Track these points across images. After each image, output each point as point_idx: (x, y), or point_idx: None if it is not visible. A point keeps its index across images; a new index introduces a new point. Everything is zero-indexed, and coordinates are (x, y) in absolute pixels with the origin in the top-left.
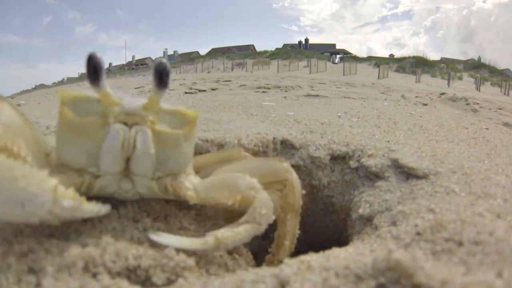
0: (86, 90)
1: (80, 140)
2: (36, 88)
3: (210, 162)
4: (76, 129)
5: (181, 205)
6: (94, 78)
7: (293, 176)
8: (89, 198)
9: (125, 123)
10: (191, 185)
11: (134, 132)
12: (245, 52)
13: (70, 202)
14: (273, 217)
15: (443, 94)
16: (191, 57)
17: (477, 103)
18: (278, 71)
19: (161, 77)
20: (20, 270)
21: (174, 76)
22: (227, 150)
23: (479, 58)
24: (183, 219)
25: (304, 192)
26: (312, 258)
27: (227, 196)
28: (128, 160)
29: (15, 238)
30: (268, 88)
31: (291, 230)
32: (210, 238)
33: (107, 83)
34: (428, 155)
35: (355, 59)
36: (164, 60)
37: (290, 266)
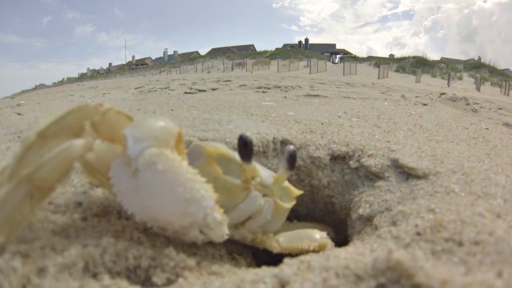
0: (220, 145)
1: (220, 193)
2: (36, 88)
3: None
4: (220, 184)
5: None
6: (245, 155)
7: (329, 242)
8: None
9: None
10: (274, 238)
11: (264, 201)
12: (245, 52)
13: (219, 217)
14: None
15: (443, 94)
16: (191, 57)
17: (477, 103)
18: (278, 71)
19: (293, 162)
20: (24, 272)
21: (174, 76)
22: None
23: (479, 58)
24: None
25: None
26: (312, 258)
27: (308, 244)
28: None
29: (15, 238)
30: (268, 88)
31: None
32: None
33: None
34: (428, 155)
35: (355, 59)
36: (294, 148)
37: (290, 266)
